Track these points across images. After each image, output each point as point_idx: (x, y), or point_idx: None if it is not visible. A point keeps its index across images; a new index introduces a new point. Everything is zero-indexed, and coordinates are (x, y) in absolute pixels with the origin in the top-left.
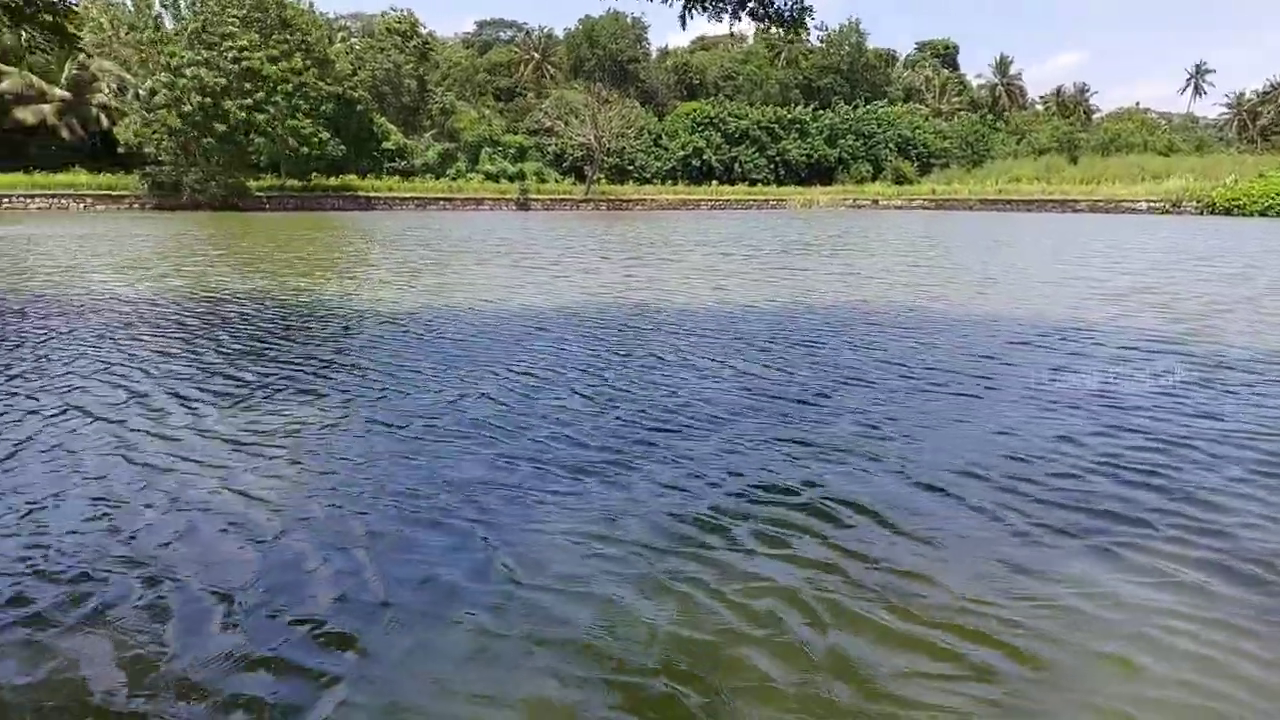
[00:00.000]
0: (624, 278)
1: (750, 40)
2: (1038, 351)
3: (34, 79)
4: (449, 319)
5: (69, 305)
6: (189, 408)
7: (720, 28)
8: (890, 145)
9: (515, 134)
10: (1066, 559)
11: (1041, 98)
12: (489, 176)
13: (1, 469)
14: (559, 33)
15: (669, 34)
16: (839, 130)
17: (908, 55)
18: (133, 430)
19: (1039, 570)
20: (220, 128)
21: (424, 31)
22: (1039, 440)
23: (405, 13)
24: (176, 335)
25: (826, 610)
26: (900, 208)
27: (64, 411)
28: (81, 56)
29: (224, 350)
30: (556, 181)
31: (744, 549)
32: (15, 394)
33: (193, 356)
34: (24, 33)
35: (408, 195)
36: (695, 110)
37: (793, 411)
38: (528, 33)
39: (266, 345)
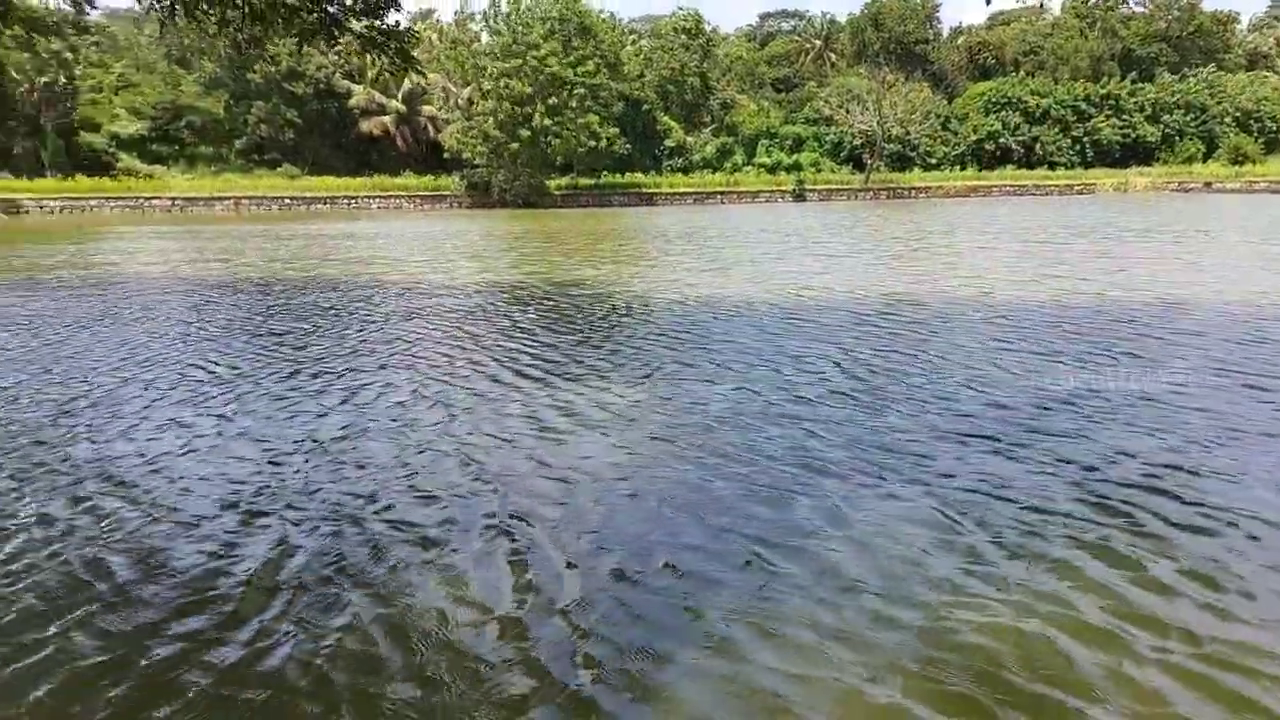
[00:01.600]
0: (940, 267)
1: (1057, 11)
2: None
3: (376, 95)
4: (775, 305)
5: (439, 286)
6: (547, 383)
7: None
8: (1228, 120)
9: (793, 124)
10: None
11: None
12: (765, 168)
13: (392, 424)
14: (842, 19)
15: (963, 11)
16: (1163, 105)
17: (1254, 15)
18: (496, 400)
19: None
20: (525, 133)
21: (708, 29)
22: None
23: (691, 12)
24: (530, 316)
25: None
26: (1240, 191)
27: (444, 383)
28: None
29: (575, 329)
30: (833, 171)
31: (1184, 525)
32: (394, 367)
33: (545, 335)
34: (376, 59)
35: (687, 190)
36: (991, 90)
37: (1190, 402)
38: (809, 21)
39: (612, 327)
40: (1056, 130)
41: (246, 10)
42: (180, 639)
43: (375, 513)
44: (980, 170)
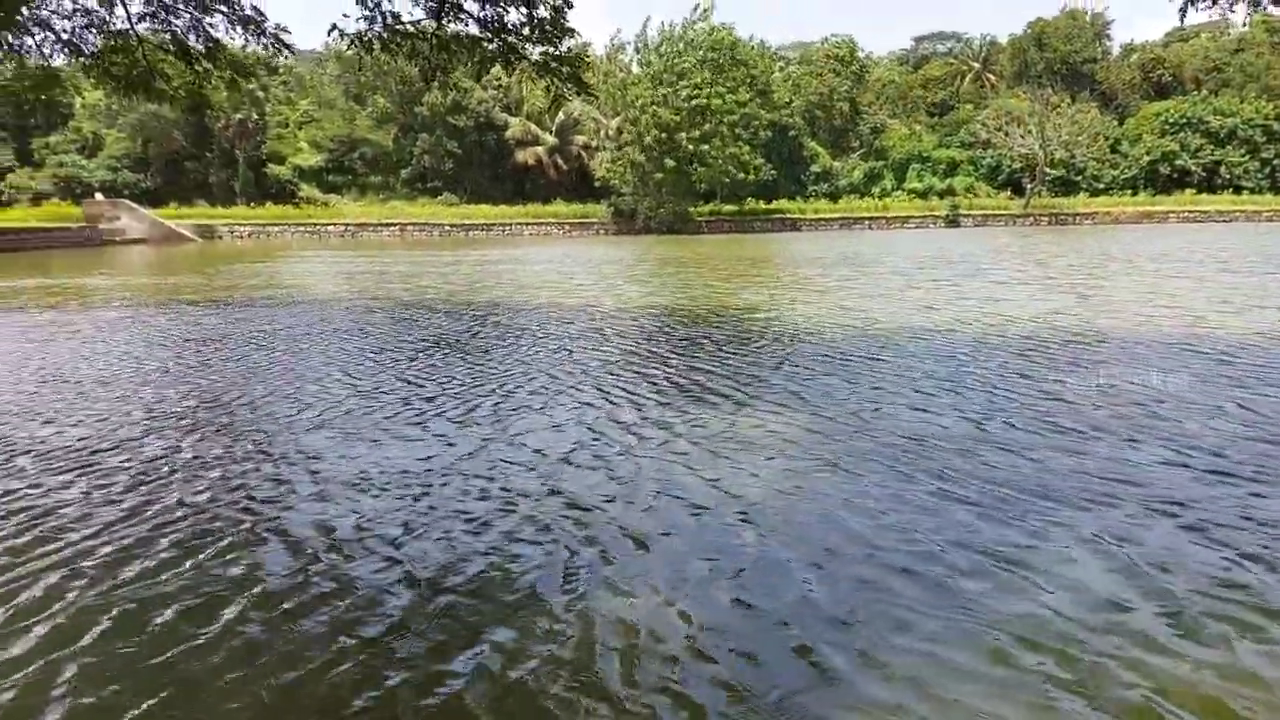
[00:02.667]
0: (1133, 295)
1: (1243, 25)
2: None
3: (532, 126)
4: (956, 331)
5: (613, 309)
6: (741, 402)
7: (1202, 15)
8: None
9: (947, 148)
10: None
11: None
12: (916, 193)
13: (600, 440)
14: (1002, 39)
15: (1135, 28)
16: None
17: None
18: (695, 417)
19: None
20: (670, 162)
21: (861, 55)
22: None
23: (845, 39)
24: (707, 338)
25: None
26: None
27: (636, 400)
28: (567, 104)
29: (755, 352)
30: (990, 195)
31: None
32: (587, 385)
33: (728, 357)
34: (550, 83)
35: (833, 216)
36: (1168, 110)
37: None
38: (967, 42)
39: (791, 351)
40: (1243, 152)
41: (435, 41)
42: (442, 633)
43: (604, 521)
44: (1154, 195)
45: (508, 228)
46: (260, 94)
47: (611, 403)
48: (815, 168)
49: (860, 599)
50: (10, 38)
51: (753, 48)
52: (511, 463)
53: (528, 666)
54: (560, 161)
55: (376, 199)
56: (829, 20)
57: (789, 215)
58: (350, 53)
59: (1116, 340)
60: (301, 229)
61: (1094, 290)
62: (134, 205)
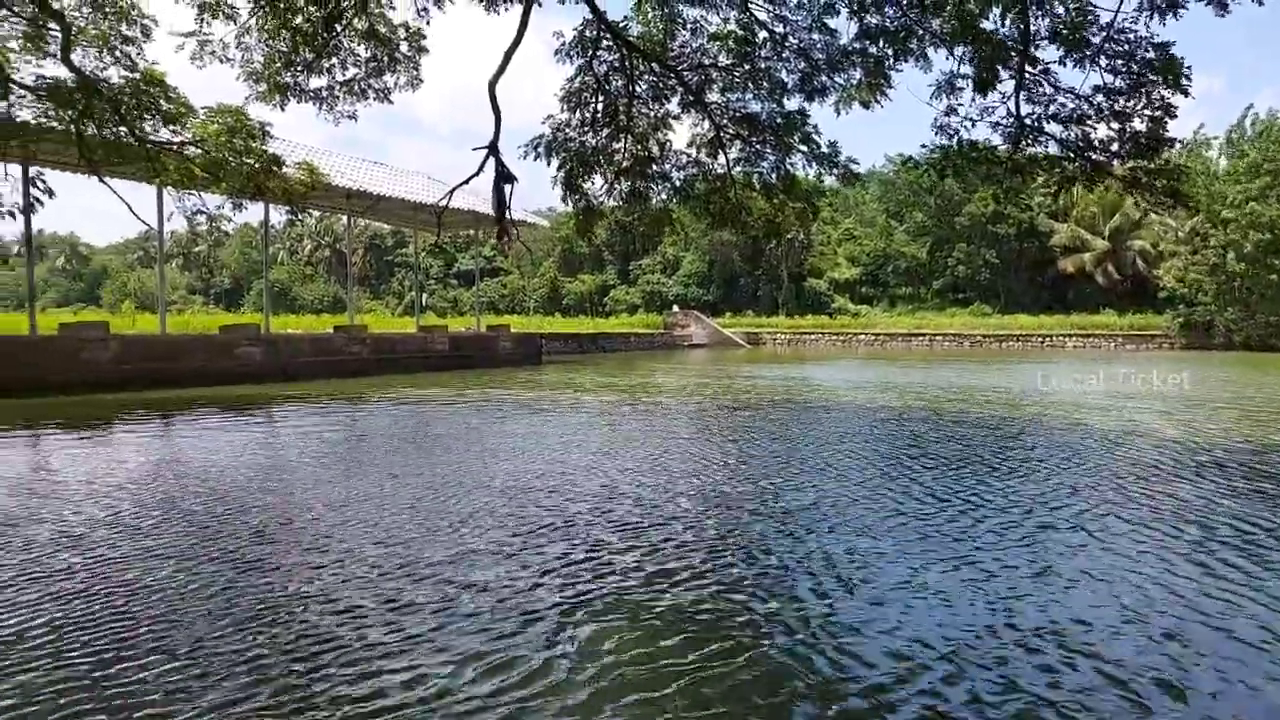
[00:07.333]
0: None
1: None
2: None
3: (1080, 232)
4: None
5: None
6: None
7: None
8: None
9: None
10: None
11: None
12: None
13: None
14: None
15: None
16: None
17: None
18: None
19: None
20: (1278, 263)
21: None
22: None
23: None
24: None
25: None
26: None
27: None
28: (1127, 207)
29: None
30: None
31: None
32: (1117, 537)
33: None
34: (1141, 198)
35: None
36: None
37: None
38: None
39: None
40: None
41: (1009, 165)
42: None
43: None
44: None
45: (1047, 339)
46: (809, 215)
47: (1182, 562)
48: None
49: None
50: (640, 185)
51: None
52: (1053, 623)
53: None
54: (1112, 268)
55: (905, 309)
56: None
57: None
58: (900, 177)
59: None
60: (833, 336)
61: None
62: (700, 315)
